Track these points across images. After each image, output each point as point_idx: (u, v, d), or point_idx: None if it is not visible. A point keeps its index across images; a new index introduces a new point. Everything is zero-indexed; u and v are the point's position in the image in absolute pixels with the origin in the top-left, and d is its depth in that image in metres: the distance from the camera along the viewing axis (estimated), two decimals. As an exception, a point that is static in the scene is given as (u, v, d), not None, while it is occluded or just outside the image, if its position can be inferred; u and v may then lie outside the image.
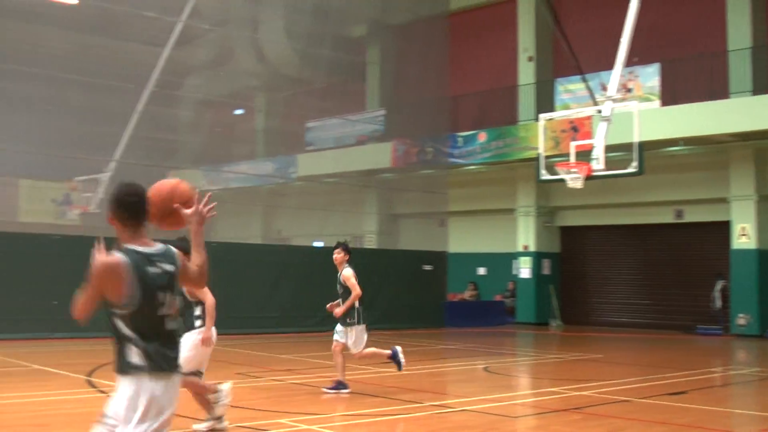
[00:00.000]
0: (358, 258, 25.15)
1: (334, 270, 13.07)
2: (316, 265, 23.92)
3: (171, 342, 4.82)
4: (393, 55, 34.29)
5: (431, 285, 28.61)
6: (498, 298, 31.28)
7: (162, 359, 4.70)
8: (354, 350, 12.89)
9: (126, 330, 4.65)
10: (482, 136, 29.13)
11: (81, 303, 4.63)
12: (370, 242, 33.27)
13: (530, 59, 30.19)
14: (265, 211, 36.61)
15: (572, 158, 21.19)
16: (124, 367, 4.66)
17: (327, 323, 24.72)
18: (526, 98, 29.87)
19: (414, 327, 26.51)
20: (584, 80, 23.95)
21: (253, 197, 34.61)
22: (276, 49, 32.71)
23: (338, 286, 13.00)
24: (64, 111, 30.22)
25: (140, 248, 4.76)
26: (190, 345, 9.35)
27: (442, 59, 31.03)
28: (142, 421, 4.62)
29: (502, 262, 31.49)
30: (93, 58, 30.21)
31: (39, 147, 28.90)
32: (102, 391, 12.44)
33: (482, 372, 16.92)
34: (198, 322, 9.61)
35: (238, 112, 38.97)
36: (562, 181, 21.22)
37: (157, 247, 4.86)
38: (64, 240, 21.76)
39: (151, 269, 4.72)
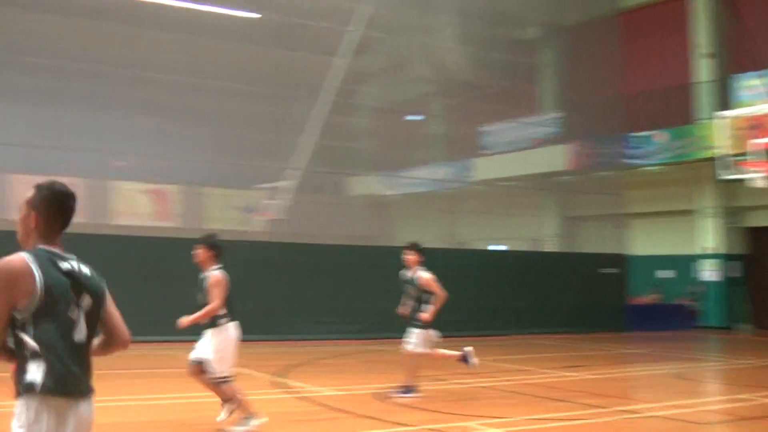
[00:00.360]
0: (539, 262, 24.98)
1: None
2: (495, 269, 23.84)
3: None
4: (566, 57, 33.93)
5: (612, 288, 28.08)
6: (681, 301, 30.41)
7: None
8: (412, 348, 12.45)
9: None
10: (661, 136, 28.45)
11: None
12: (550, 245, 32.92)
13: (711, 56, 29.22)
14: (442, 216, 36.73)
15: (755, 156, 20.43)
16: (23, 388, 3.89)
17: (508, 326, 24.73)
18: (703, 96, 28.98)
19: (595, 331, 26.05)
20: (764, 76, 23.05)
21: (430, 202, 34.77)
22: (449, 54, 32.83)
23: (410, 287, 12.61)
24: (241, 121, 31.28)
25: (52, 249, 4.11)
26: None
27: (615, 59, 30.45)
28: None
29: (683, 264, 30.61)
30: (268, 68, 31.10)
31: (221, 156, 29.98)
32: (292, 392, 12.81)
33: (669, 377, 16.51)
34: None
35: (415, 118, 39.30)
36: (742, 180, 20.48)
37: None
38: (251, 245, 22.53)
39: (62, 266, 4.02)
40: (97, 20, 28.12)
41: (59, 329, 3.95)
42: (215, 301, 9.39)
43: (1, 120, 29.13)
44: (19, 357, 3.92)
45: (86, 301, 4.09)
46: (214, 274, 9.51)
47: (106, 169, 31.46)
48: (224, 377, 9.50)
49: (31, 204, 4.13)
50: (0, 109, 29.32)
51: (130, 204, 32.58)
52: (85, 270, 4.16)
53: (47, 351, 3.89)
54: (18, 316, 3.89)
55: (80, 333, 4.04)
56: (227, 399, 9.59)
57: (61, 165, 26.01)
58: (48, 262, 3.99)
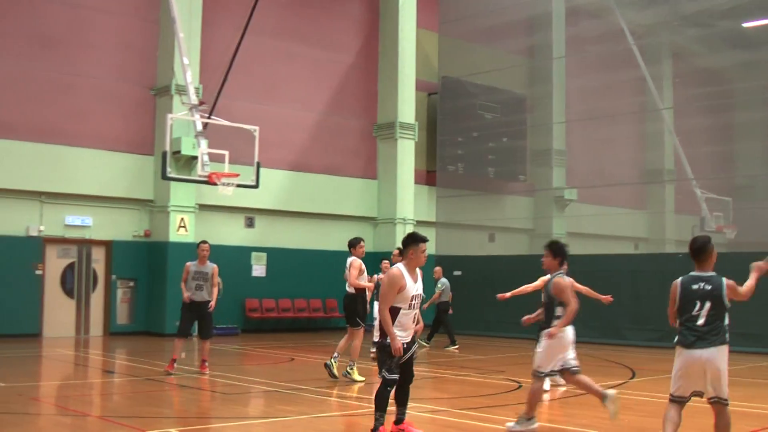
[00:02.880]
0: None
1: None
2: None
3: None
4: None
5: None
6: None
7: None
8: (537, 365, 10.65)
9: None
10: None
11: None
12: None
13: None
14: None
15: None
16: None
17: None
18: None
19: None
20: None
21: None
22: None
23: (542, 294, 11.06)
24: None
25: None
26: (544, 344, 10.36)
27: None
28: None
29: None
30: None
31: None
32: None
33: None
34: (555, 322, 10.28)
35: None
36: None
37: None
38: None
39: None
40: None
41: None
42: (571, 304, 10.26)
43: None
44: None
45: None
46: (558, 278, 10.36)
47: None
48: (547, 372, 10.42)
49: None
50: None
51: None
52: None
53: None
54: None
55: None
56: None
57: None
58: None
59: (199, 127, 22.54)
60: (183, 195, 25.58)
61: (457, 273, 29.03)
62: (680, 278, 8.41)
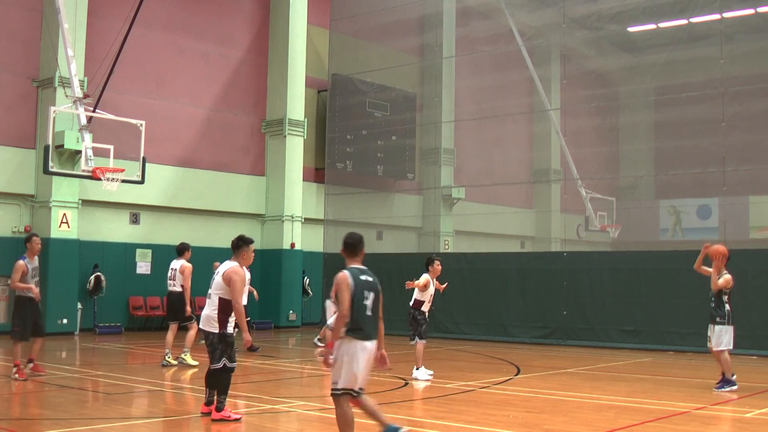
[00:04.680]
0: None
1: None
2: None
3: None
4: None
5: None
6: None
7: None
8: (715, 347, 14.32)
9: None
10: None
11: None
12: None
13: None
14: None
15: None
16: None
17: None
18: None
19: None
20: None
21: None
22: None
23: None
24: None
25: None
26: None
27: None
28: None
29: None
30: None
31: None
32: None
33: None
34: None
35: None
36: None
37: None
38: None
39: None
40: None
41: None
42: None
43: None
44: None
45: None
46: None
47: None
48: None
49: None
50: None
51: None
52: None
53: None
54: None
55: None
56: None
57: None
58: None
59: (84, 121, 22.04)
60: (66, 190, 24.92)
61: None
62: (347, 271, 8.65)
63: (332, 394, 8.66)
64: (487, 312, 24.89)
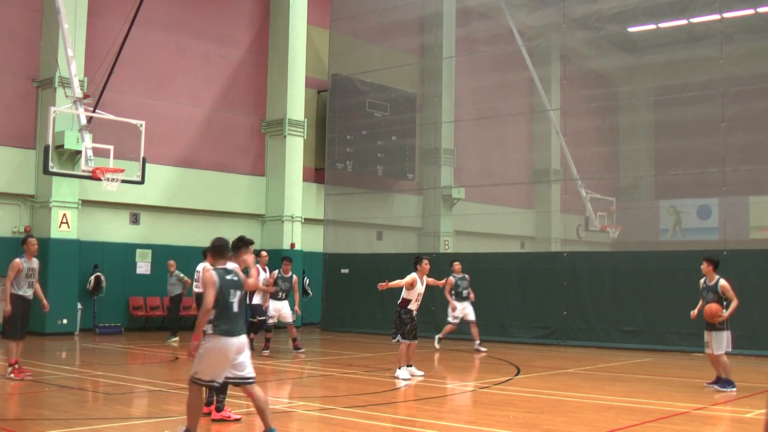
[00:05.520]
0: None
1: None
2: None
3: None
4: None
5: None
6: None
7: None
8: (716, 351, 14.46)
9: None
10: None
11: None
12: None
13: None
14: None
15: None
16: None
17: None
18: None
19: None
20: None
21: None
22: None
23: (710, 294, 14.57)
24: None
25: None
26: None
27: None
28: None
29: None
30: None
31: None
32: None
33: None
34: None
35: None
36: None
37: None
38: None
39: None
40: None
41: None
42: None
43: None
44: None
45: None
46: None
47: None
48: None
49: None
50: None
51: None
52: None
53: None
54: None
55: None
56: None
57: None
58: None
59: (84, 121, 22.02)
60: (66, 190, 24.90)
61: (344, 271, 29.03)
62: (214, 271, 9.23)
63: (192, 381, 9.23)
64: (487, 312, 24.84)
